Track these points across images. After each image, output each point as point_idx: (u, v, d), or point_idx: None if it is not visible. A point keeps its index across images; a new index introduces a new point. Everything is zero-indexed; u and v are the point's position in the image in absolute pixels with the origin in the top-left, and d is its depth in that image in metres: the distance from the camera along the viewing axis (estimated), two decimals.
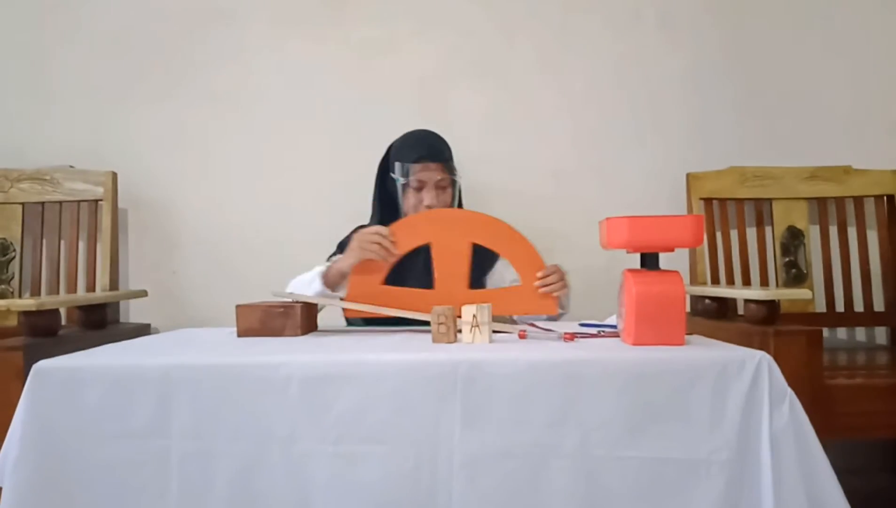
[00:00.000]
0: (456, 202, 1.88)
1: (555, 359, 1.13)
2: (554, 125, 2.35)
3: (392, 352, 1.18)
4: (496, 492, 1.10)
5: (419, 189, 1.81)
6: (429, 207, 1.80)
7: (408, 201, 1.84)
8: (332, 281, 1.65)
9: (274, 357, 1.14)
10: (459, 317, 1.31)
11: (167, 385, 1.11)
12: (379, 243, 1.55)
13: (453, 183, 1.85)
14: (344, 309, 1.73)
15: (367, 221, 1.97)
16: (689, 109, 2.34)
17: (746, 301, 1.72)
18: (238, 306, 1.45)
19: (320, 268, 1.67)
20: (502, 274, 1.90)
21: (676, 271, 1.25)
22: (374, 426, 1.11)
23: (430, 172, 1.81)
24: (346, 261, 1.62)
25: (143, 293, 2.22)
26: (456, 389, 1.11)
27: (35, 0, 2.31)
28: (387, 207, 1.89)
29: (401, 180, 1.82)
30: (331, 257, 1.88)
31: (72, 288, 2.20)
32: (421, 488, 1.10)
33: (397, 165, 1.83)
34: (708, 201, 2.27)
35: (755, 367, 1.12)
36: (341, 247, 1.89)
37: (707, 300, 1.98)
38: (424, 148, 1.84)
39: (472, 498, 1.10)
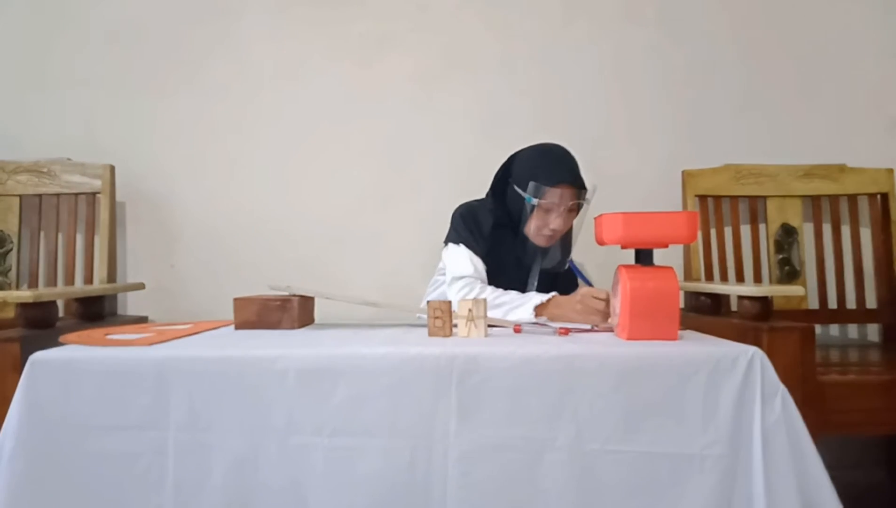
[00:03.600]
0: (580, 227, 1.77)
1: (550, 353, 1.13)
2: (550, 121, 2.36)
3: (388, 346, 1.19)
4: (491, 485, 1.11)
5: (548, 211, 1.69)
6: (554, 230, 1.70)
7: (532, 220, 1.72)
8: (544, 314, 1.60)
9: (271, 350, 1.15)
10: None
11: (164, 377, 1.12)
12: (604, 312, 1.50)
13: (580, 206, 1.73)
14: None
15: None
16: (685, 106, 2.35)
17: (740, 297, 1.72)
18: (235, 299, 1.46)
19: (535, 300, 1.59)
20: None
21: (670, 267, 1.26)
22: (370, 419, 1.12)
23: (564, 197, 1.68)
24: (565, 310, 1.57)
25: (141, 286, 2.23)
26: (451, 382, 1.12)
27: None
28: (505, 215, 1.78)
29: (532, 201, 1.68)
30: (455, 240, 1.79)
31: (69, 281, 2.21)
32: (416, 480, 1.11)
33: (531, 184, 1.67)
34: (703, 198, 2.29)
35: (748, 362, 1.13)
36: (457, 233, 1.80)
37: (701, 296, 1.99)
38: (564, 173, 1.69)
39: (467, 491, 1.11)
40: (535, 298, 1.60)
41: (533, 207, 1.69)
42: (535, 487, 1.11)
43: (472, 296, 1.64)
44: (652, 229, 1.25)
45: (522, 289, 1.72)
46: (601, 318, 1.49)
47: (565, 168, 1.70)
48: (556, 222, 1.69)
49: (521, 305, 1.60)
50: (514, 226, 1.76)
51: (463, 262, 1.74)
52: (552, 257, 1.78)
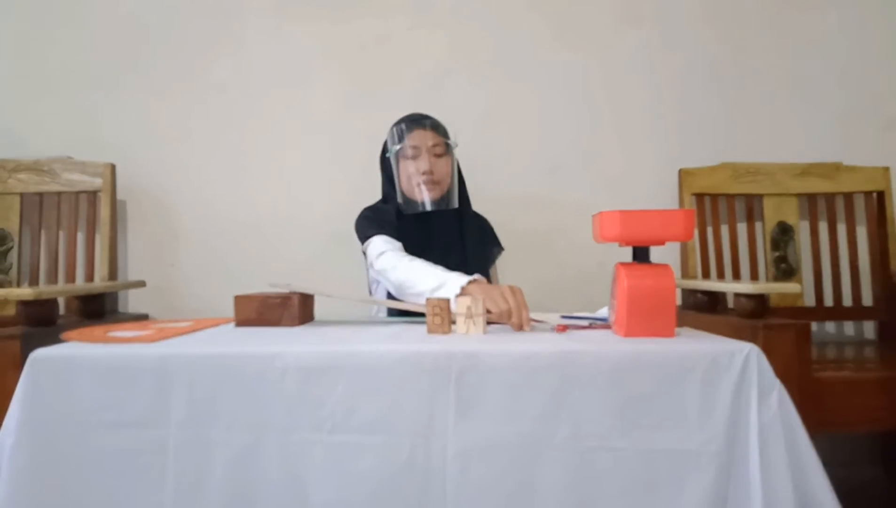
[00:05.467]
0: (454, 173, 1.85)
1: (547, 351, 1.14)
2: (549, 121, 2.37)
3: (387, 343, 1.19)
4: (489, 482, 1.11)
5: (414, 157, 1.79)
6: (424, 173, 1.77)
7: (403, 171, 1.81)
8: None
9: (270, 348, 1.15)
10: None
11: (164, 375, 1.12)
12: (509, 314, 1.40)
13: (448, 149, 1.83)
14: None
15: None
16: (683, 105, 2.36)
17: (736, 295, 1.73)
18: (236, 297, 1.46)
19: (461, 280, 1.51)
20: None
21: (667, 265, 1.26)
22: (368, 416, 1.12)
23: (423, 137, 1.80)
24: (480, 292, 1.47)
25: (142, 284, 2.23)
26: (450, 380, 1.12)
27: None
28: (398, 197, 1.86)
29: (395, 148, 1.81)
30: (367, 236, 1.82)
31: (70, 279, 2.21)
32: (415, 478, 1.11)
33: (391, 133, 1.83)
34: (700, 197, 2.29)
35: (744, 359, 1.13)
36: (366, 231, 1.83)
37: (698, 294, 1.99)
38: (417, 116, 1.85)
39: (466, 488, 1.11)
40: (459, 279, 1.53)
41: (399, 156, 1.80)
42: (532, 484, 1.11)
43: (402, 263, 1.64)
44: (649, 227, 1.25)
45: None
46: (504, 318, 1.40)
47: (417, 115, 1.85)
48: (423, 165, 1.77)
49: (445, 283, 1.53)
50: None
51: (382, 244, 1.75)
52: (440, 203, 1.80)
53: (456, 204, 1.83)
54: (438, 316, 1.31)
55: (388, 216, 1.84)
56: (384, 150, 1.90)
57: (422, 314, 1.45)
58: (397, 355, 1.13)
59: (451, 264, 1.76)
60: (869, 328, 2.36)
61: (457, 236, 1.84)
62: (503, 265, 2.04)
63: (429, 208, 1.79)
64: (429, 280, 1.56)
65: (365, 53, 2.35)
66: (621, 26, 2.37)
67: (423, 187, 1.79)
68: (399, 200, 1.83)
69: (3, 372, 1.47)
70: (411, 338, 1.27)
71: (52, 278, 2.20)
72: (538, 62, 2.37)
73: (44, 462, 1.10)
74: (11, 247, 2.19)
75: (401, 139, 1.80)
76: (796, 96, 2.36)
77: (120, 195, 2.27)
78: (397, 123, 1.86)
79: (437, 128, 1.83)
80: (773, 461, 1.10)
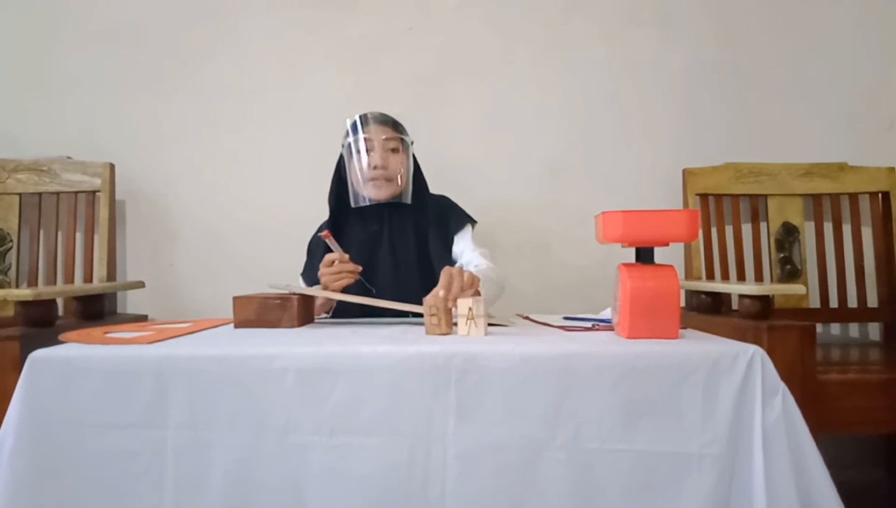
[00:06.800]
0: (410, 170, 1.82)
1: (549, 352, 1.13)
2: (551, 122, 2.36)
3: (387, 344, 1.18)
4: (489, 484, 1.10)
5: (368, 150, 1.77)
6: (377, 166, 1.75)
7: (356, 164, 1.77)
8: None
9: (270, 349, 1.15)
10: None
11: (163, 376, 1.12)
12: (339, 272, 1.57)
13: (403, 144, 1.81)
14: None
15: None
16: (686, 105, 2.35)
17: (741, 296, 1.72)
18: (235, 298, 1.45)
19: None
20: (462, 248, 1.88)
21: (671, 266, 1.25)
22: (368, 417, 1.11)
23: (376, 132, 1.77)
24: (325, 300, 1.67)
25: (141, 284, 2.22)
26: (450, 381, 1.11)
27: None
28: (342, 189, 1.85)
29: (347, 141, 1.79)
30: (304, 271, 1.90)
31: (69, 279, 2.21)
32: (415, 479, 1.10)
33: (347, 129, 1.81)
34: (704, 197, 2.28)
35: (748, 361, 1.12)
36: (309, 251, 1.92)
37: (702, 295, 1.98)
38: (371, 112, 1.81)
39: (466, 490, 1.10)
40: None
41: (350, 146, 1.77)
42: (533, 486, 1.10)
43: None
44: (652, 228, 1.24)
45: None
46: (345, 277, 1.58)
47: (373, 112, 1.82)
48: (375, 159, 1.75)
49: None
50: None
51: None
52: (391, 199, 1.80)
53: (409, 200, 1.81)
54: (435, 316, 1.30)
55: (319, 236, 1.83)
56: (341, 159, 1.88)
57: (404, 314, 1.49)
58: (397, 356, 1.13)
59: (400, 257, 1.80)
60: (874, 330, 2.35)
61: (410, 230, 1.83)
62: (504, 263, 2.01)
63: (371, 202, 1.78)
64: None
65: (364, 54, 2.34)
66: (624, 26, 2.35)
67: (371, 184, 1.77)
68: (351, 196, 1.81)
69: (3, 373, 1.47)
70: (411, 339, 1.26)
71: (51, 278, 2.20)
72: (539, 62, 2.36)
73: (43, 462, 1.10)
74: (10, 247, 2.18)
75: (353, 132, 1.78)
76: (800, 96, 2.35)
77: (119, 195, 2.27)
78: (352, 121, 1.83)
79: (393, 124, 1.82)
80: (776, 463, 1.09)
